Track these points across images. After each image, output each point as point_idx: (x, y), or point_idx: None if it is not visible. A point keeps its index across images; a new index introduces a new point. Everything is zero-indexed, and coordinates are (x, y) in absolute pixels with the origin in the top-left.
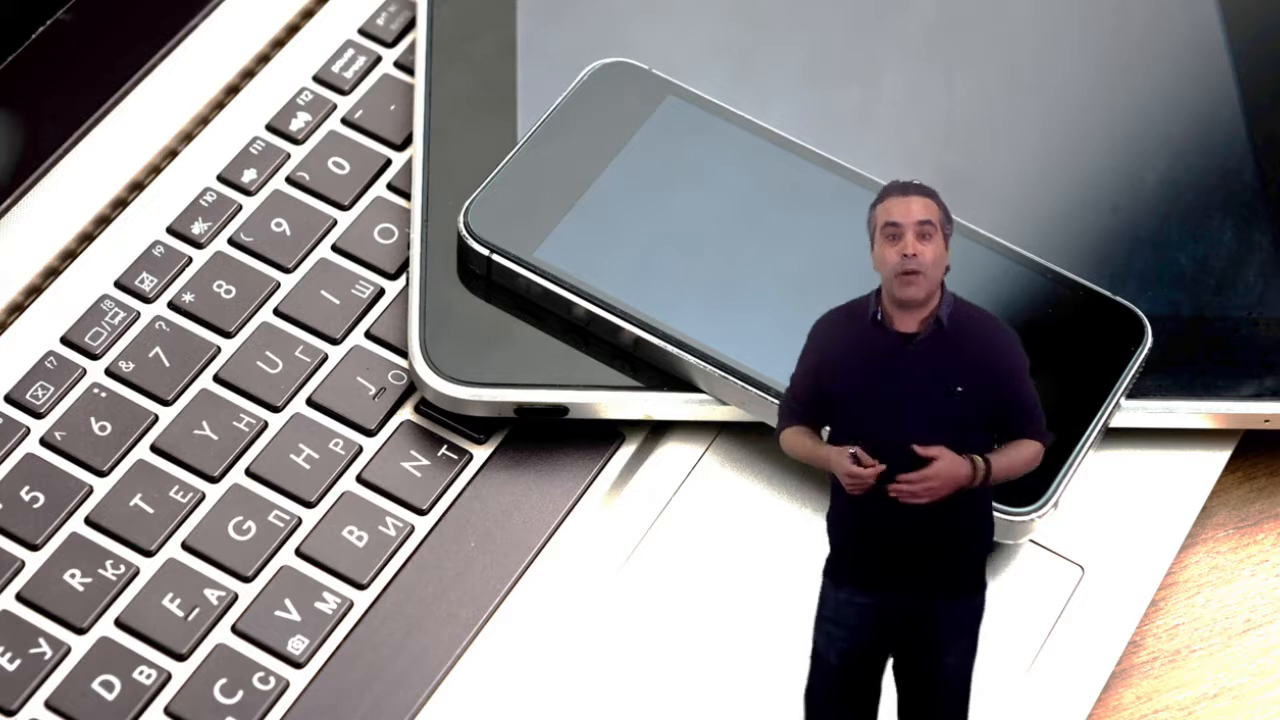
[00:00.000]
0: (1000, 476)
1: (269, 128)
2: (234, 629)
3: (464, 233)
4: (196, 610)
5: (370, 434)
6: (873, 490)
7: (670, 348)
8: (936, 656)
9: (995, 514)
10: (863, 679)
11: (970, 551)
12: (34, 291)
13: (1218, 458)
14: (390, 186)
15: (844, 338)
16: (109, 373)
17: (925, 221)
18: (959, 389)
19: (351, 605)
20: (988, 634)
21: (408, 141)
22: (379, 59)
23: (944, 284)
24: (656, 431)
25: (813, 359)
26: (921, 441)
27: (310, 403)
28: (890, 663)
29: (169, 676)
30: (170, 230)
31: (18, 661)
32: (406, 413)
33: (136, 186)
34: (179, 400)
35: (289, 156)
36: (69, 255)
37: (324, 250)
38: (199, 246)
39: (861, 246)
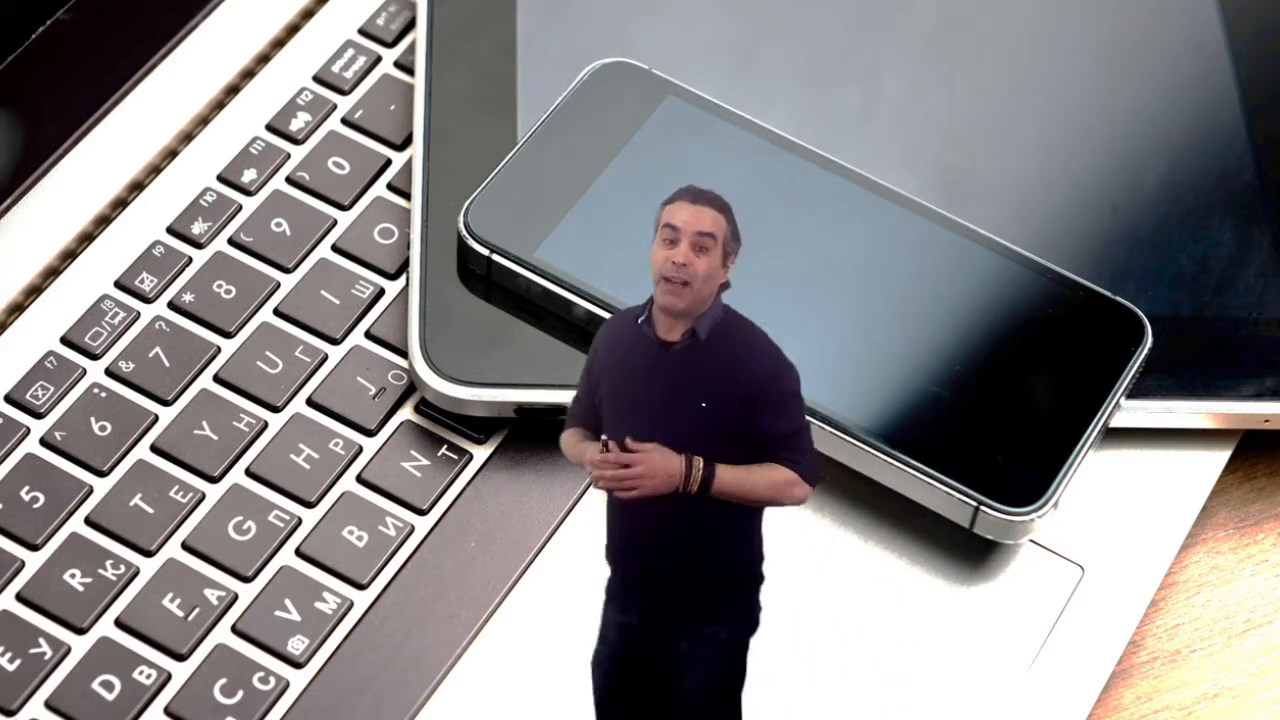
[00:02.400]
0: (729, 491)
1: (269, 128)
2: (234, 629)
3: (464, 233)
4: (196, 610)
5: (370, 434)
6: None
7: None
8: (674, 681)
9: (996, 514)
10: (629, 697)
11: (711, 579)
12: (34, 291)
13: (1218, 458)
14: (390, 186)
15: (614, 340)
16: (109, 373)
17: (706, 234)
18: (703, 404)
19: (351, 605)
20: (988, 634)
21: (408, 141)
22: (379, 59)
23: (719, 298)
24: None
25: (590, 360)
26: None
27: (310, 403)
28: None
29: (169, 676)
30: (170, 230)
31: (18, 661)
32: (406, 413)
33: (136, 186)
34: (179, 400)
35: (289, 156)
36: (69, 255)
37: (324, 250)
38: (199, 246)
39: (862, 246)
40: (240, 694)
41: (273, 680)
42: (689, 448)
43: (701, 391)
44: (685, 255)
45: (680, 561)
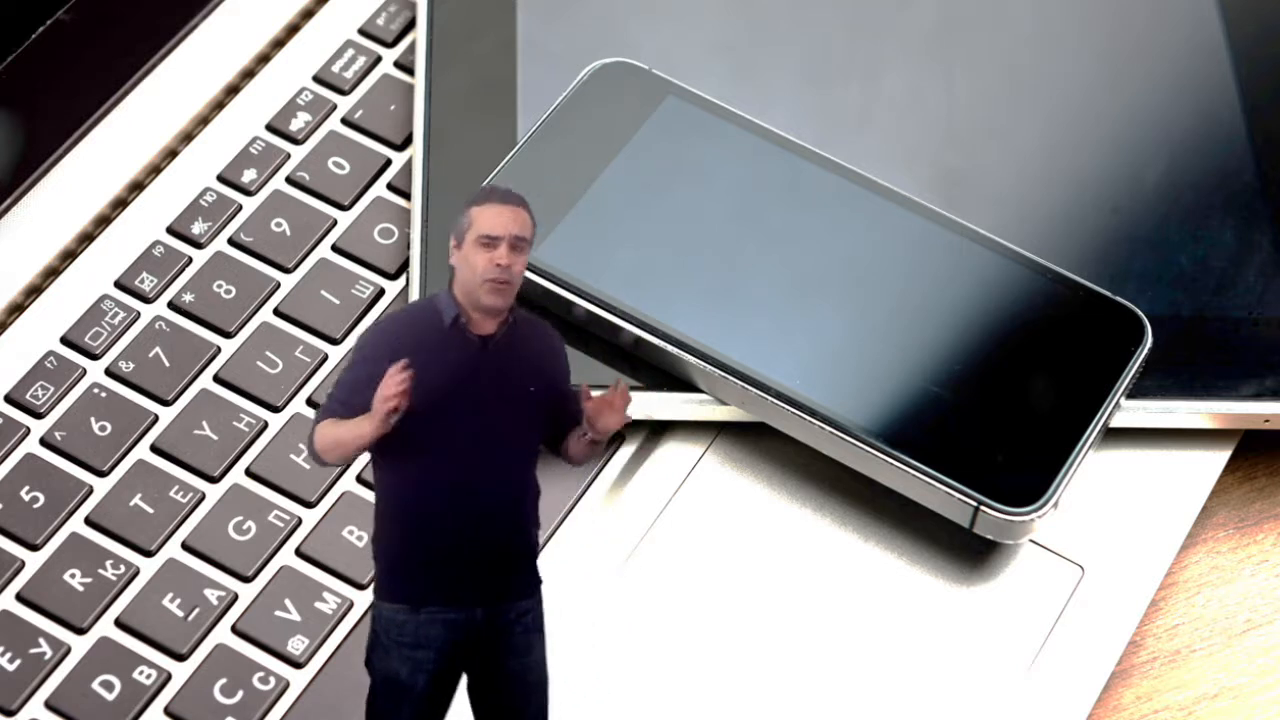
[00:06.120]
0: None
1: (269, 128)
2: (234, 629)
3: None
4: (196, 610)
5: None
6: (446, 494)
7: (670, 348)
8: (521, 657)
9: (996, 514)
10: (444, 696)
11: (531, 549)
12: (34, 291)
13: (1218, 458)
14: (390, 186)
15: (417, 342)
16: (109, 373)
17: (521, 237)
18: (531, 388)
19: (351, 605)
20: (988, 634)
21: (408, 141)
22: (379, 59)
23: None
24: (656, 431)
25: (379, 365)
26: (503, 439)
27: (310, 403)
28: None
29: (169, 676)
30: (170, 230)
31: (18, 661)
32: None
33: (136, 186)
34: (179, 400)
35: (289, 156)
36: (69, 255)
37: (324, 250)
38: (199, 246)
39: (862, 246)
40: (240, 694)
41: (273, 680)
42: (511, 433)
43: (528, 376)
44: (506, 257)
45: (509, 539)
